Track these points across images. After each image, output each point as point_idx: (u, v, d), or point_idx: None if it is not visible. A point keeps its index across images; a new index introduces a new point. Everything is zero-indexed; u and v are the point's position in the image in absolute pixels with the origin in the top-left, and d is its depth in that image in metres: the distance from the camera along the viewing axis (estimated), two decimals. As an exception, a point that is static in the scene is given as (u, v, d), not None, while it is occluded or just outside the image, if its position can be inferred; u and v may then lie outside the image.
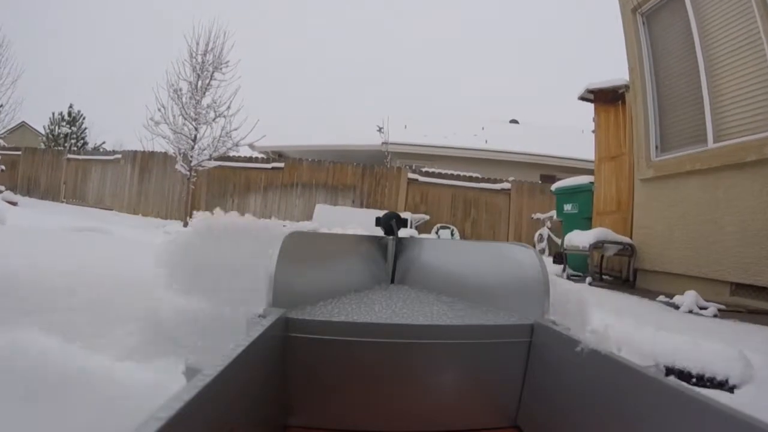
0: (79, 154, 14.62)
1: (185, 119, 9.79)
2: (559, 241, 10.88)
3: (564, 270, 5.79)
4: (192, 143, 9.70)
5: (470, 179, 11.67)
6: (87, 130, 20.06)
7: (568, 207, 7.03)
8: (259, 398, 0.59)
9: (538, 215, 11.04)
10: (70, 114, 19.86)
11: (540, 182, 12.34)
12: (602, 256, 5.79)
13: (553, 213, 10.85)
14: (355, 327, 0.72)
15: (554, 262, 7.12)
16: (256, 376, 0.56)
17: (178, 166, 9.77)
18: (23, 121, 22.37)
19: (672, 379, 0.48)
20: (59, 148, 16.70)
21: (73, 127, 19.60)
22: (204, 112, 9.96)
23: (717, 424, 0.40)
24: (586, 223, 6.63)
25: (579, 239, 5.27)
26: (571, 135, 19.36)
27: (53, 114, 19.63)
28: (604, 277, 5.78)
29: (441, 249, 1.21)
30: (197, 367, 0.57)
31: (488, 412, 0.76)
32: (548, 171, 15.74)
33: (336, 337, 0.71)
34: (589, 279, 5.00)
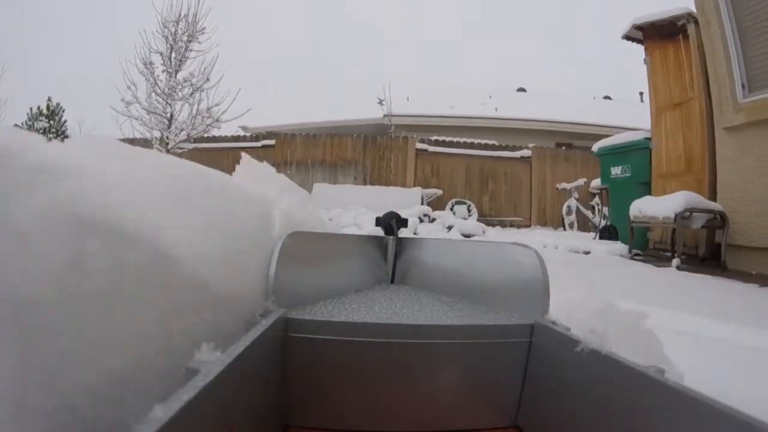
0: (57, 146, 13.45)
1: (158, 96, 8.53)
2: (588, 213, 9.69)
3: (630, 249, 4.53)
4: (167, 122, 8.44)
5: (486, 147, 10.36)
6: (66, 123, 18.92)
7: (616, 170, 5.77)
8: (259, 398, 0.58)
9: (564, 185, 9.79)
10: (48, 107, 18.63)
11: (564, 148, 11.02)
12: (674, 230, 4.56)
13: (581, 182, 9.64)
14: (355, 327, 0.71)
15: (601, 237, 5.91)
16: (256, 376, 0.56)
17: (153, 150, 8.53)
18: (16, 125, 21.21)
19: (672, 378, 0.47)
20: (37, 141, 15.47)
21: (51, 121, 18.37)
22: (179, 87, 8.69)
23: (717, 424, 0.40)
24: (641, 189, 5.38)
25: (657, 207, 4.03)
26: (582, 101, 18.67)
27: (31, 109, 18.43)
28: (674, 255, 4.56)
29: (441, 249, 1.18)
30: (197, 367, 0.43)
31: (488, 412, 0.75)
32: (564, 138, 14.61)
33: (336, 337, 0.70)
34: (676, 261, 3.75)
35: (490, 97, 18.09)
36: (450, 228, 6.13)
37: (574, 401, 0.61)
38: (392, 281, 1.23)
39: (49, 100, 18.63)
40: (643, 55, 5.97)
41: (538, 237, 5.67)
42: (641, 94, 22.28)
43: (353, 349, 0.71)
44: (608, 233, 5.75)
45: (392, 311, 0.82)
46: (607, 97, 22.27)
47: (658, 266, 3.76)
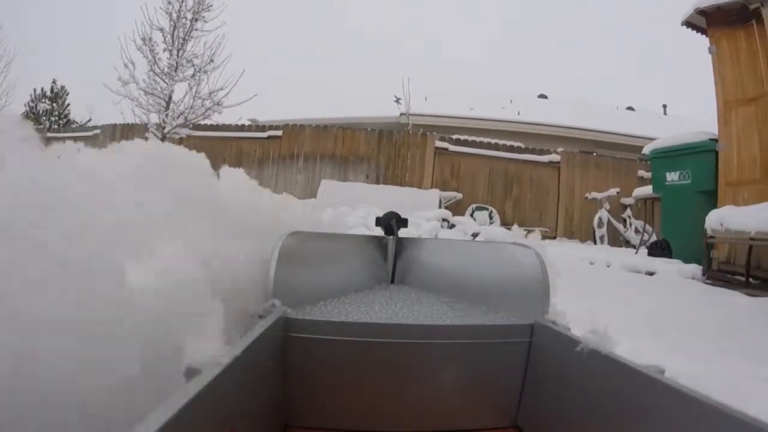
0: (58, 132, 13.06)
1: (157, 75, 7.85)
2: (620, 227, 8.86)
3: (704, 271, 3.69)
4: (165, 104, 7.76)
5: (511, 149, 9.52)
6: (70, 107, 18.38)
7: (672, 176, 4.94)
8: (259, 398, 0.58)
9: (594, 195, 8.97)
10: (52, 90, 18.11)
11: (594, 154, 10.18)
12: (750, 248, 3.73)
13: (613, 192, 8.80)
14: (355, 327, 0.71)
15: (650, 254, 5.07)
16: (256, 376, 0.55)
17: (148, 134, 7.87)
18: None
19: (672, 378, 0.46)
20: (39, 126, 15.07)
21: (54, 104, 17.84)
22: (181, 67, 8.03)
23: (717, 424, 0.40)
24: (703, 199, 4.56)
25: (749, 219, 3.19)
26: (605, 110, 18.00)
27: (34, 90, 17.96)
28: (750, 280, 3.72)
29: (441, 249, 1.19)
30: (197, 367, 0.42)
31: (488, 412, 0.75)
32: (589, 147, 13.89)
33: (336, 337, 0.70)
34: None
35: (511, 101, 17.83)
36: (475, 236, 5.34)
37: (574, 401, 0.61)
38: (392, 281, 1.20)
39: (54, 82, 18.23)
40: (708, 44, 5.17)
41: (575, 251, 4.87)
42: (665, 106, 21.78)
43: (353, 349, 0.70)
44: (659, 249, 4.92)
45: (392, 311, 0.81)
46: (630, 108, 22.04)
47: (750, 295, 2.92)
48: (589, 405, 0.57)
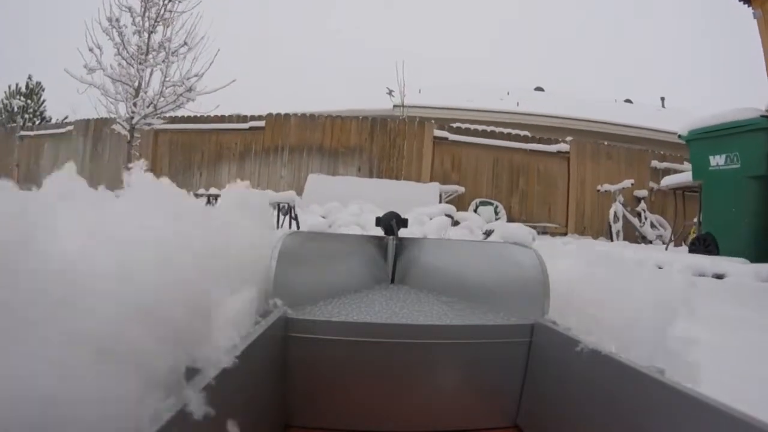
0: (32, 129, 12.37)
1: (125, 60, 7.09)
2: (635, 221, 8.19)
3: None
4: (134, 92, 6.99)
5: (517, 138, 8.78)
6: (45, 103, 17.58)
7: (717, 160, 4.24)
8: (259, 398, 0.57)
9: (607, 187, 8.29)
10: (27, 86, 17.31)
11: (606, 143, 9.50)
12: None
13: (627, 183, 8.15)
14: (355, 327, 0.70)
15: (692, 250, 4.38)
16: (256, 376, 0.55)
17: (115, 126, 7.12)
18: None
19: (672, 379, 0.45)
20: (12, 124, 14.25)
21: (29, 100, 17.03)
22: (152, 52, 7.27)
23: (717, 424, 0.39)
24: (755, 186, 3.89)
25: None
26: (603, 103, 17.96)
27: (9, 87, 17.17)
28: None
29: (441, 249, 1.17)
30: (197, 367, 0.42)
31: (488, 412, 0.74)
32: (591, 138, 13.22)
33: (336, 337, 0.69)
34: None
35: (508, 93, 17.27)
36: (488, 234, 4.61)
37: (574, 401, 0.60)
38: (392, 281, 1.16)
39: (29, 78, 17.43)
40: (751, 9, 4.49)
41: (605, 249, 4.12)
42: (663, 99, 21.55)
43: (353, 349, 0.69)
44: (703, 245, 4.22)
45: (392, 311, 0.79)
46: (627, 101, 22.02)
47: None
48: (589, 405, 0.56)
